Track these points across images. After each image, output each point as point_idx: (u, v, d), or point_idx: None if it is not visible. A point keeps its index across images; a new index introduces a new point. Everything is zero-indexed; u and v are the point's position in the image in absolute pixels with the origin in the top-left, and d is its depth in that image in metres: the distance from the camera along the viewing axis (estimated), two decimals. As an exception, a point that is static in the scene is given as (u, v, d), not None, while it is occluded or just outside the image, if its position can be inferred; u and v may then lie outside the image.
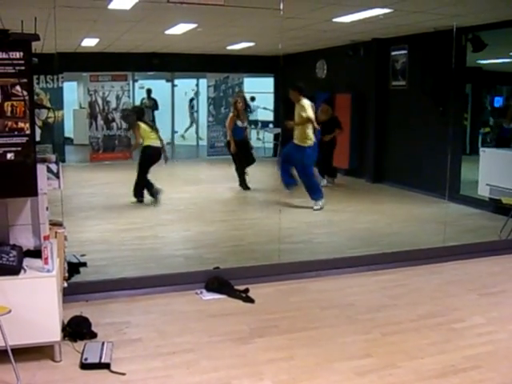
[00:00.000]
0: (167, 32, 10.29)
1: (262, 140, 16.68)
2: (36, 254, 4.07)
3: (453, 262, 6.41)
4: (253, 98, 17.67)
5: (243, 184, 10.65)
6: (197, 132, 17.35)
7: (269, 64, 14.40)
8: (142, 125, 9.27)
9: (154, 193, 9.21)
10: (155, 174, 9.29)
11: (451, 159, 7.98)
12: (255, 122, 18.31)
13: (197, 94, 17.56)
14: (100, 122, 14.63)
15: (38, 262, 3.96)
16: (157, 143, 9.27)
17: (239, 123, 10.69)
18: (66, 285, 4.73)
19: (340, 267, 6.07)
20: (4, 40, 3.73)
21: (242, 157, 10.76)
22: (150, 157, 9.22)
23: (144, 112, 9.96)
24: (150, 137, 9.25)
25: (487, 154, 9.36)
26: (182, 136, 18.00)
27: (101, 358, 3.92)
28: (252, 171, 10.72)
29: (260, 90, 17.47)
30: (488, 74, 14.50)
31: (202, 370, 3.88)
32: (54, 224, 4.72)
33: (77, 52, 12.93)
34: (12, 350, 3.63)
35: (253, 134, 17.97)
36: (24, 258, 4.01)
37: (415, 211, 9.21)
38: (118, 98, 14.88)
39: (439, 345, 4.30)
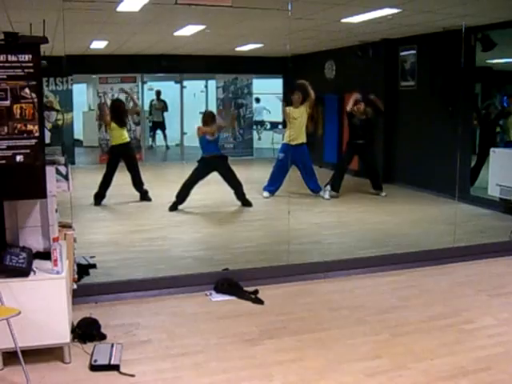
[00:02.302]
0: (176, 34, 10.30)
1: (271, 141, 16.70)
2: (45, 255, 4.09)
3: (463, 262, 6.38)
4: (257, 100, 17.68)
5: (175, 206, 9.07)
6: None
7: (277, 65, 14.40)
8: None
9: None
10: (164, 176, 9.29)
11: (461, 159, 7.94)
12: (261, 123, 18.39)
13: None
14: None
15: (47, 264, 3.98)
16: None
17: (207, 136, 9.02)
18: (75, 286, 4.75)
19: (349, 268, 6.06)
20: (13, 43, 3.75)
21: (197, 176, 9.13)
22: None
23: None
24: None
25: (497, 154, 9.30)
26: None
27: (110, 359, 3.93)
28: (262, 172, 10.70)
29: (269, 91, 17.47)
30: (498, 73, 14.40)
31: (211, 372, 3.88)
32: (64, 226, 4.74)
33: (86, 54, 12.97)
34: (21, 351, 3.65)
35: (255, 135, 18.09)
36: (33, 260, 4.01)
37: (425, 212, 9.18)
38: (127, 100, 14.89)
39: (449, 346, 4.28)
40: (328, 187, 10.16)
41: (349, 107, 10.37)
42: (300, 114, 10.05)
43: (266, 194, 10.14)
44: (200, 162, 9.20)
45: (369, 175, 10.63)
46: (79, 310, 4.70)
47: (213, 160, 9.10)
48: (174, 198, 9.06)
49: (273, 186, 10.16)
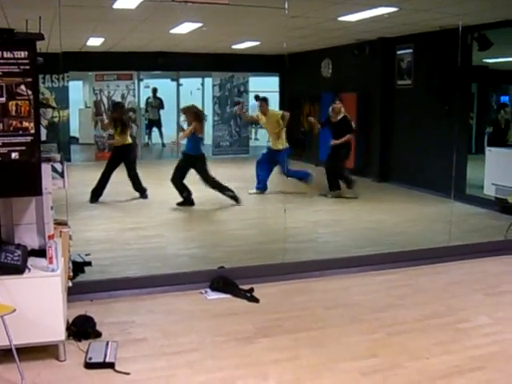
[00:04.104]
0: (172, 31, 10.29)
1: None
2: (41, 253, 4.07)
3: (458, 261, 6.38)
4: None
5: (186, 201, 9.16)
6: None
7: (274, 63, 14.40)
8: None
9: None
10: (159, 174, 9.28)
11: (457, 158, 7.95)
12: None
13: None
14: (105, 121, 14.62)
15: (42, 262, 3.96)
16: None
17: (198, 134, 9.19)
18: (70, 284, 4.73)
19: (345, 267, 6.06)
20: (9, 39, 3.73)
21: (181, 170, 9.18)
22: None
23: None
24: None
25: (493, 153, 9.32)
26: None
27: (105, 357, 3.92)
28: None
29: (265, 89, 17.48)
30: (494, 72, 14.44)
31: (206, 370, 3.88)
32: (59, 223, 4.73)
33: (82, 51, 12.95)
34: (16, 349, 3.64)
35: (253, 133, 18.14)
36: (29, 258, 4.01)
37: (421, 211, 9.19)
38: (123, 98, 14.89)
39: (445, 345, 4.28)
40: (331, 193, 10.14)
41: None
42: (267, 121, 10.26)
43: (252, 190, 10.21)
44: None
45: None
46: (74, 307, 4.68)
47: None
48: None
49: (259, 183, 10.32)
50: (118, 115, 9.72)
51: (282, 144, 10.07)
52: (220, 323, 4.69)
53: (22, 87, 3.76)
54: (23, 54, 3.75)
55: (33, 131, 3.82)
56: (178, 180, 9.16)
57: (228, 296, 5.27)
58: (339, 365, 3.97)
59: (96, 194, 9.41)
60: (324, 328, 4.62)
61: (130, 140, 9.67)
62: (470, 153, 10.45)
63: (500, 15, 8.25)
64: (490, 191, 9.16)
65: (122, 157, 9.60)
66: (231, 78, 16.00)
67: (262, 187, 10.28)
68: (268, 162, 10.25)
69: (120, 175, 9.66)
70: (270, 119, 10.20)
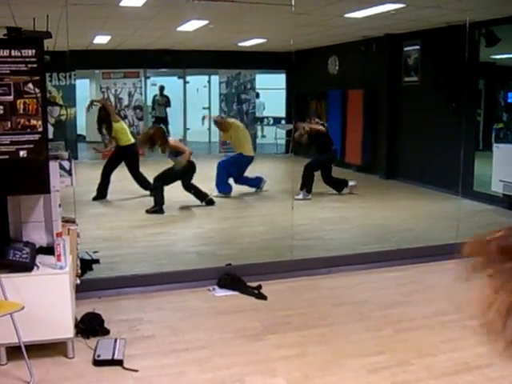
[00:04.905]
0: (179, 29, 10.29)
1: (274, 136, 16.68)
2: (49, 250, 4.09)
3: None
4: (257, 95, 17.69)
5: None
6: (209, 128, 17.37)
7: (281, 60, 14.37)
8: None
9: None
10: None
11: (464, 155, 7.92)
12: (261, 119, 18.42)
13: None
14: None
15: (50, 259, 3.98)
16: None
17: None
18: (78, 281, 4.75)
19: (352, 264, 6.05)
20: (16, 38, 3.75)
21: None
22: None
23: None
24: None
25: (501, 150, 9.28)
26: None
27: (113, 354, 3.93)
28: (265, 168, 10.71)
29: (272, 87, 17.47)
30: (501, 69, 14.38)
31: (214, 367, 3.88)
32: (67, 221, 4.75)
33: (89, 49, 12.96)
34: (25, 346, 3.66)
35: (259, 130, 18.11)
36: (37, 255, 4.02)
37: (428, 207, 9.16)
38: (130, 95, 14.92)
39: (453, 342, 4.28)
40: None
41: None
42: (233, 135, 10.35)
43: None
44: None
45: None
46: (82, 304, 4.70)
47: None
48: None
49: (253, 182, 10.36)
50: (105, 118, 9.58)
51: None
52: (228, 320, 4.70)
53: (30, 85, 3.77)
54: (31, 52, 3.76)
55: (41, 129, 3.83)
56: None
57: (236, 293, 5.28)
58: (347, 362, 3.97)
59: (100, 193, 9.40)
60: (332, 325, 4.62)
61: (132, 140, 9.57)
62: (477, 149, 10.41)
63: (508, 11, 8.21)
64: (497, 188, 9.11)
65: (122, 157, 9.56)
66: (238, 75, 15.99)
67: (257, 184, 10.23)
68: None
69: (127, 173, 9.67)
70: (235, 132, 10.25)
